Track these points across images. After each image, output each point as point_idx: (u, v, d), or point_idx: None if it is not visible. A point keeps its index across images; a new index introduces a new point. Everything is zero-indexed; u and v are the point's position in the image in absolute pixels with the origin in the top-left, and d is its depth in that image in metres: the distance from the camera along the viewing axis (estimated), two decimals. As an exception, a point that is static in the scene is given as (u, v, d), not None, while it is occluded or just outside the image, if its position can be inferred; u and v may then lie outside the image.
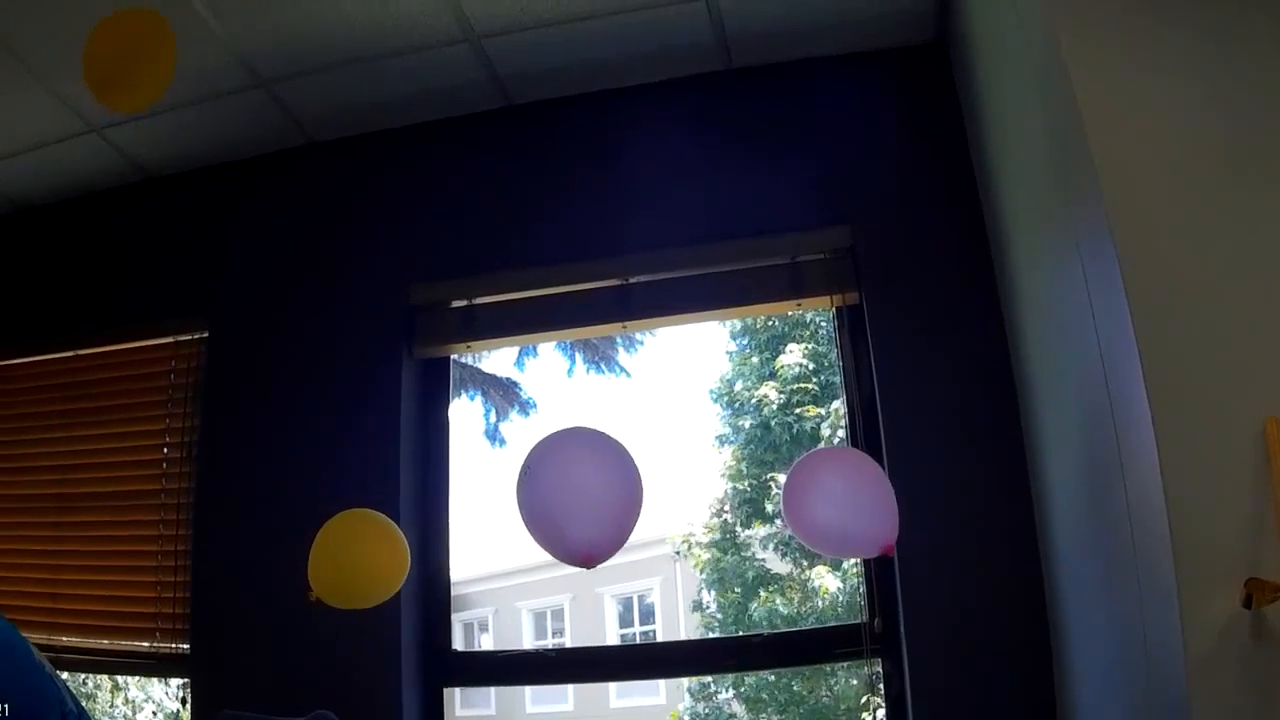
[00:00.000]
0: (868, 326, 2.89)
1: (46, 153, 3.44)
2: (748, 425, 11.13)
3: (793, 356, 10.83)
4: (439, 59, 3.11)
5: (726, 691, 10.94)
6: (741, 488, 11.08)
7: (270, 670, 2.96)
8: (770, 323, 11.05)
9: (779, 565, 10.72)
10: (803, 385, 10.66)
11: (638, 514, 2.12)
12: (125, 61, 2.18)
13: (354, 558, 2.33)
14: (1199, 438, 1.53)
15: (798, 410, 10.53)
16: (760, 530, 10.92)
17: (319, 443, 3.14)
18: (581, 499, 2.07)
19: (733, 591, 10.83)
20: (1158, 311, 1.59)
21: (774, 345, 11.17)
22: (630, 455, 2.14)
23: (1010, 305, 2.69)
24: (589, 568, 2.07)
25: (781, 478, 10.38)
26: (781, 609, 10.26)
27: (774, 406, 10.77)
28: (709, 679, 10.98)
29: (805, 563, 10.33)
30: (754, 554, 10.95)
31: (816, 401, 10.57)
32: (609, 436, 2.17)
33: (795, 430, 10.56)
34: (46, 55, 2.98)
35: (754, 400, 10.99)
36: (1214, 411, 1.54)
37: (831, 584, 9.86)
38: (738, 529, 11.08)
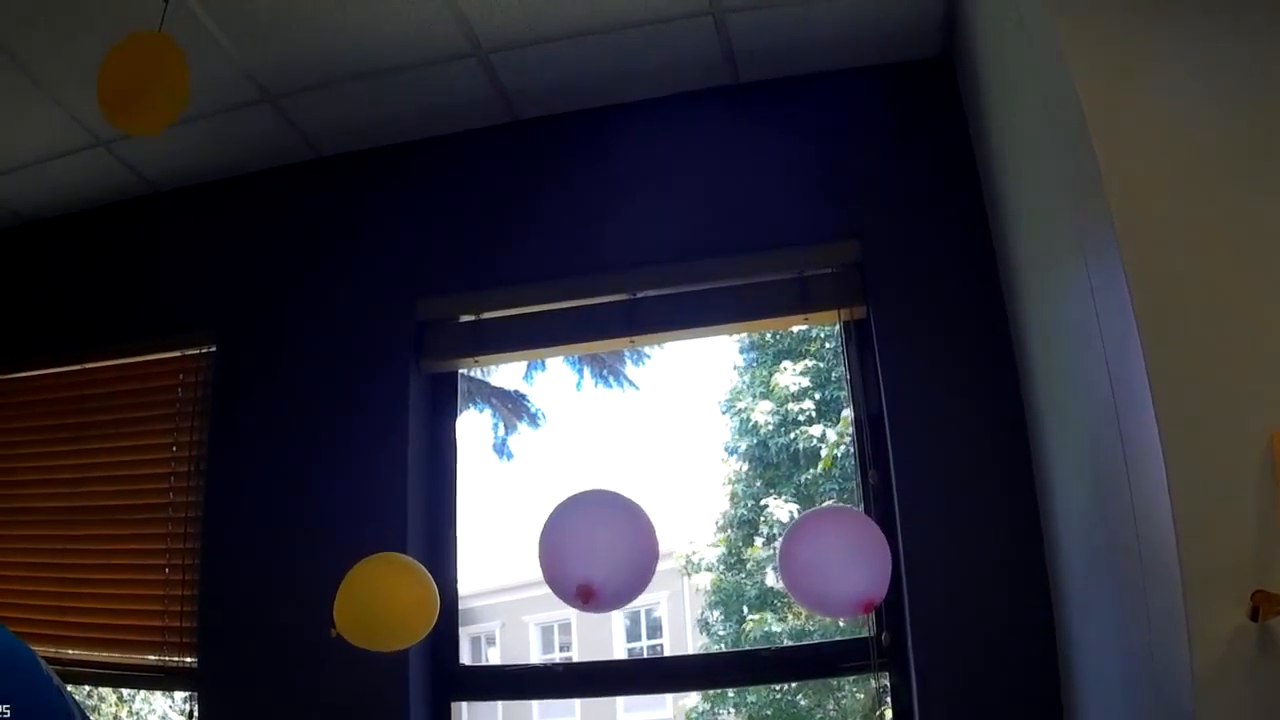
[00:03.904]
0: (875, 341, 2.88)
1: (54, 166, 3.46)
2: (744, 447, 11.10)
3: (787, 376, 10.75)
4: (446, 74, 3.12)
5: (729, 713, 10.87)
6: (741, 511, 11.05)
7: (277, 684, 2.96)
8: (779, 337, 11.01)
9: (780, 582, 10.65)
10: (798, 405, 10.58)
11: (647, 573, 2.22)
12: (139, 85, 2.20)
13: (384, 605, 2.30)
14: (1206, 450, 1.53)
15: (793, 432, 10.46)
16: (757, 554, 10.86)
17: (326, 456, 3.14)
18: (591, 542, 2.19)
19: (736, 613, 10.76)
20: (1164, 323, 1.59)
21: (781, 360, 11.11)
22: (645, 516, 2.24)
23: (1017, 319, 2.69)
24: (586, 603, 2.11)
25: (774, 503, 10.35)
26: (775, 628, 10.21)
27: (770, 427, 10.70)
28: (708, 707, 10.93)
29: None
30: (757, 569, 10.89)
31: (814, 420, 10.48)
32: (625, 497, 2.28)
33: (792, 450, 10.51)
34: (54, 70, 3.00)
35: (750, 422, 10.94)
36: (1221, 424, 1.54)
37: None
38: (740, 545, 11.05)
